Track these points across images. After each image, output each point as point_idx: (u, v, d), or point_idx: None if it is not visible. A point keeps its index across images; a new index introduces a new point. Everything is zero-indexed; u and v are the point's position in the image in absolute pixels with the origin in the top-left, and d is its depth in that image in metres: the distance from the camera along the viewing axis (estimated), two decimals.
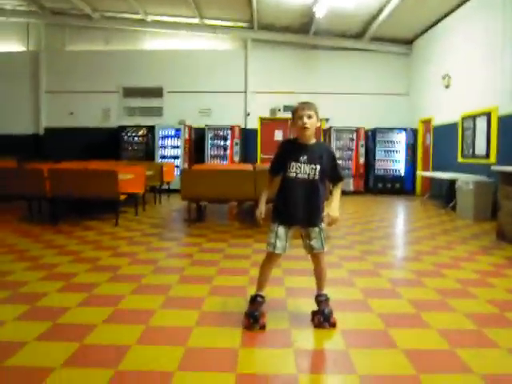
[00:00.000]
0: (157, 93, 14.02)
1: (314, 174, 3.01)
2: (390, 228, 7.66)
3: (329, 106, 13.51)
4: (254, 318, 3.05)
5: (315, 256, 3.18)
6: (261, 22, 13.09)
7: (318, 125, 3.05)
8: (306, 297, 3.60)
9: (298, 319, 3.25)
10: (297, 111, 3.02)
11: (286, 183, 3.06)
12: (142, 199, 8.88)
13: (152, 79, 13.96)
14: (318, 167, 3.01)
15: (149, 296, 3.74)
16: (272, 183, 3.22)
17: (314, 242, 3.11)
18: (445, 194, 9.88)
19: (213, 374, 2.46)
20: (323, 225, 3.14)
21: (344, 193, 12.38)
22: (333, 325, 3.09)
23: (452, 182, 9.06)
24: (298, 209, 3.05)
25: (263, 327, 3.05)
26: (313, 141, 3.08)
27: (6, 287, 3.91)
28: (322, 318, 3.10)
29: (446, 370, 2.53)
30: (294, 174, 3.02)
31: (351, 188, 13.19)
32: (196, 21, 13.30)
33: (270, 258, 3.12)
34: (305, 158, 3.01)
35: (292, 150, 3.07)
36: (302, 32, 13.40)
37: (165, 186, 10.93)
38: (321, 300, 3.17)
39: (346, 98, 13.76)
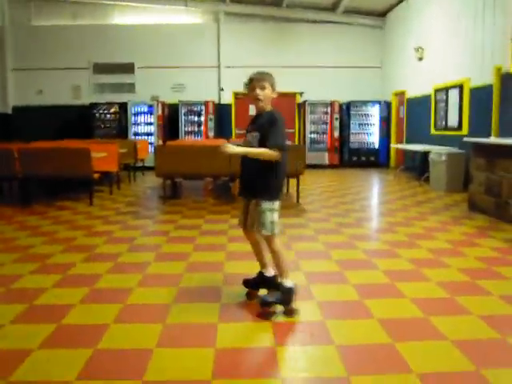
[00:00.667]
0: (128, 69, 13.68)
1: (255, 142, 2.91)
2: (365, 200, 7.75)
3: (303, 79, 13.45)
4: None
5: (263, 237, 2.97)
6: None
7: (274, 96, 2.99)
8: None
9: None
10: (251, 82, 2.96)
11: None
12: (117, 177, 8.76)
13: (123, 55, 13.59)
14: (257, 134, 2.90)
15: (125, 275, 3.73)
16: None
17: (254, 220, 2.96)
18: (418, 166, 10.03)
19: (192, 350, 2.48)
20: (270, 204, 2.90)
21: (319, 166, 12.64)
22: (265, 315, 2.90)
23: (425, 154, 9.19)
24: (241, 179, 3.08)
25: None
26: (267, 110, 2.99)
27: None
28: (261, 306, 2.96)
29: (421, 337, 2.61)
30: (244, 144, 3.03)
31: (326, 161, 13.25)
32: None
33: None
34: (251, 126, 3.01)
35: (251, 120, 3.10)
36: (274, 4, 13.19)
37: (139, 164, 10.80)
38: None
39: (320, 72, 13.68)
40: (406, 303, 3.09)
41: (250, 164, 2.93)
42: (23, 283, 3.53)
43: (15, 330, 2.72)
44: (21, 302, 3.13)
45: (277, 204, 2.93)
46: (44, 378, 2.19)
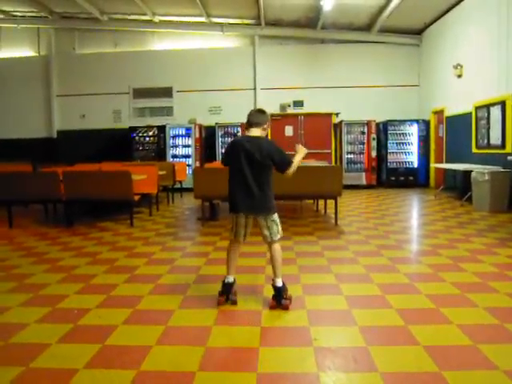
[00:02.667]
0: (167, 93, 14.07)
1: None
2: (405, 222, 7.59)
3: (339, 99, 13.45)
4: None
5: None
6: (268, 18, 13.04)
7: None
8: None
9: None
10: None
11: None
12: (156, 199, 8.92)
13: (161, 79, 14.00)
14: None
15: (167, 296, 3.76)
16: None
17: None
18: (460, 186, 9.78)
19: (234, 374, 2.47)
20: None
21: (357, 187, 12.51)
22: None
23: (467, 174, 8.95)
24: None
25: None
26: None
27: (27, 290, 3.96)
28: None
29: (470, 366, 2.50)
30: None
31: (364, 182, 13.10)
32: (203, 19, 13.30)
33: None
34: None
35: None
36: (309, 26, 13.32)
37: (177, 185, 10.97)
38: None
39: (356, 92, 13.67)
40: (452, 329, 2.99)
41: (259, 184, 3.36)
42: (68, 303, 3.62)
43: (61, 350, 2.78)
44: (66, 321, 3.21)
45: None
46: None
